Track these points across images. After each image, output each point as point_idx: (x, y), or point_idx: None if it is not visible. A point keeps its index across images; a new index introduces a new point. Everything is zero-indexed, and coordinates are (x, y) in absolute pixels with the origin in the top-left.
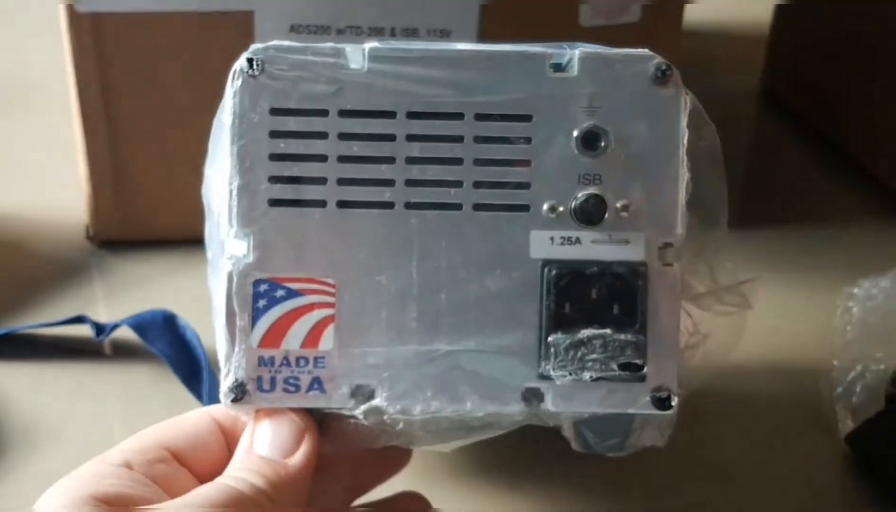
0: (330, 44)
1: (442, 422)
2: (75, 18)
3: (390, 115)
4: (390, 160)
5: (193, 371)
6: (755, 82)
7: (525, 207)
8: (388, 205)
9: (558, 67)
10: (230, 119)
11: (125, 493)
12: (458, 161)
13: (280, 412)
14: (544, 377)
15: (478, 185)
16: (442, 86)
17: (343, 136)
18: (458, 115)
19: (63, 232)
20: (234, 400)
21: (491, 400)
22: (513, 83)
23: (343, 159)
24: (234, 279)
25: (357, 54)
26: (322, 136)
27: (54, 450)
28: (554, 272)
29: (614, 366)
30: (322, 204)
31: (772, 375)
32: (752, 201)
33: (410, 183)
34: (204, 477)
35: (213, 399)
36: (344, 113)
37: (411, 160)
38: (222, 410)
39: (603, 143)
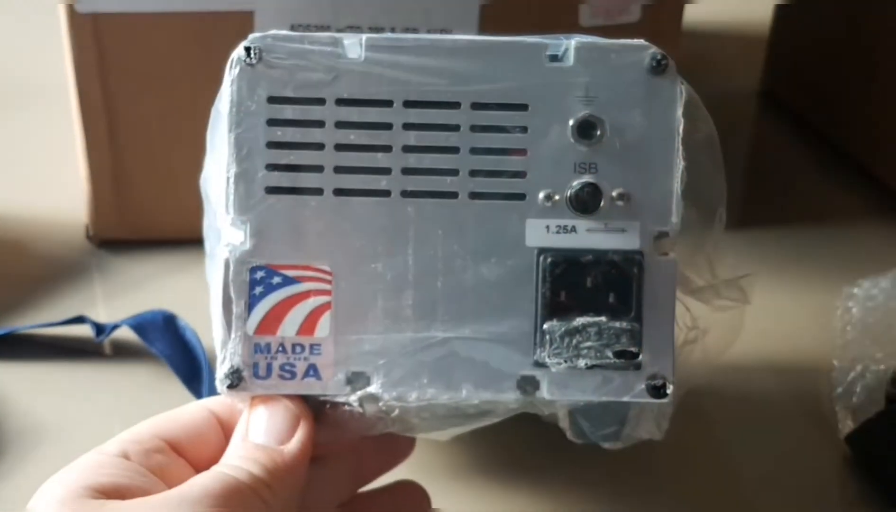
0: (327, 33)
1: (438, 409)
2: (75, 18)
3: (387, 103)
4: (387, 149)
5: (193, 371)
6: (755, 82)
7: (521, 196)
8: (385, 193)
9: (554, 58)
10: (228, 107)
11: (122, 483)
12: (454, 150)
13: (274, 400)
14: (539, 365)
15: (474, 173)
16: (438, 75)
17: (340, 125)
18: (455, 105)
19: (63, 232)
20: (230, 386)
21: (486, 387)
22: (509, 73)
23: (340, 147)
24: (231, 266)
25: (354, 44)
26: (319, 124)
27: (54, 450)
28: (549, 260)
29: (609, 354)
30: (319, 192)
31: (771, 374)
32: (752, 201)
33: (407, 171)
34: (201, 468)
35: None
36: (341, 102)
37: (408, 149)
38: (219, 401)
39: (598, 133)
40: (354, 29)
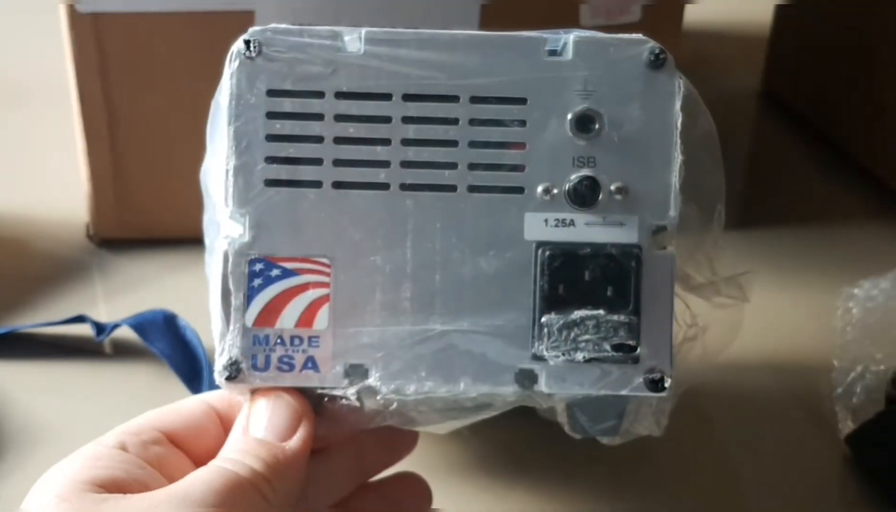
0: (327, 27)
1: (435, 402)
2: (76, 18)
3: (386, 97)
4: (386, 142)
5: (194, 371)
6: (755, 82)
7: (519, 189)
8: (384, 186)
9: (553, 52)
10: (227, 100)
11: (119, 476)
12: (453, 143)
13: (276, 394)
14: (538, 358)
15: (472, 167)
16: (437, 69)
17: (339, 118)
18: (454, 98)
19: (63, 231)
20: (229, 378)
21: (484, 380)
22: (508, 67)
23: (339, 141)
24: (230, 258)
25: (353, 37)
26: (318, 117)
27: (54, 450)
28: (548, 253)
29: (607, 347)
30: (318, 184)
31: (772, 375)
32: (752, 201)
33: (406, 164)
34: (200, 461)
35: None
36: (340, 95)
37: (407, 142)
38: (218, 395)
39: (597, 126)
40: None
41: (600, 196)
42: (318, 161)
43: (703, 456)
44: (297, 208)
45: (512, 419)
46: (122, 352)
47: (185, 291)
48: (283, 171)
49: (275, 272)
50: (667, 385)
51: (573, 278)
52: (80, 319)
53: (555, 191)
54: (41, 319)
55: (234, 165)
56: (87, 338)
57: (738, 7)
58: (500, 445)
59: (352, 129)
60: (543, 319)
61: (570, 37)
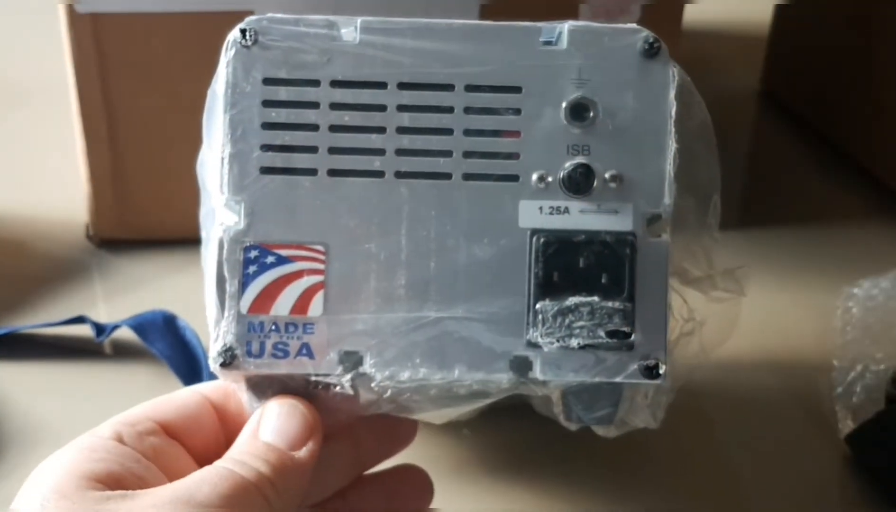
0: (322, 16)
1: (429, 390)
2: (75, 19)
3: (381, 85)
4: (381, 130)
5: (193, 371)
6: (755, 82)
7: (514, 177)
8: (379, 174)
9: (548, 42)
10: (223, 88)
11: (116, 470)
12: (447, 131)
13: (291, 403)
14: (532, 345)
15: (467, 155)
16: (433, 57)
17: (334, 106)
18: (449, 86)
19: (63, 231)
20: (223, 364)
21: (479, 367)
22: (503, 55)
23: (334, 129)
24: (225, 245)
25: (349, 26)
26: (314, 105)
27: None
28: (542, 240)
29: (602, 333)
30: (313, 172)
31: (771, 374)
32: (752, 201)
33: (401, 152)
34: (196, 452)
35: None
36: (335, 83)
37: (402, 130)
38: (213, 387)
39: (591, 114)
40: None
41: (595, 184)
42: (313, 149)
43: (703, 456)
44: (292, 196)
45: (512, 419)
46: (122, 352)
47: (185, 291)
48: (279, 159)
49: (269, 259)
50: (661, 372)
51: (568, 265)
52: (79, 319)
53: (549, 178)
54: (41, 319)
55: (229, 153)
56: (86, 338)
57: (737, 7)
58: (501, 445)
59: (347, 118)
60: (538, 306)
61: (564, 26)
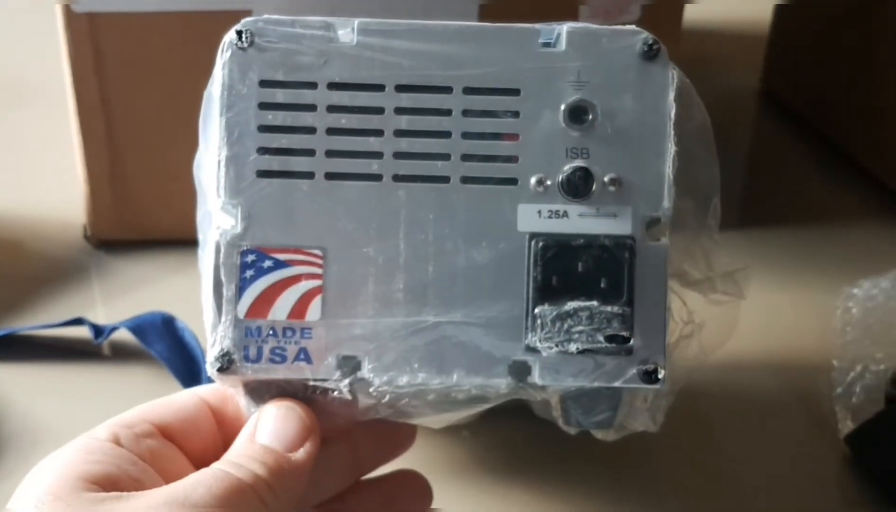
0: (319, 17)
1: (428, 395)
2: (72, 18)
3: (379, 88)
4: (379, 133)
5: (192, 373)
6: (755, 82)
7: (512, 181)
8: (376, 177)
9: (547, 44)
10: (219, 91)
11: (112, 472)
12: (446, 134)
13: (288, 405)
14: (531, 349)
15: (466, 158)
16: (431, 59)
17: (332, 109)
18: (447, 89)
19: (60, 232)
20: (221, 369)
21: (477, 372)
22: (501, 58)
23: (331, 131)
24: (222, 249)
25: (346, 28)
26: (311, 108)
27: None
28: (541, 244)
29: (601, 338)
30: (310, 175)
31: (771, 375)
32: (752, 201)
33: (398, 155)
34: (193, 454)
35: None
36: (333, 85)
37: (399, 133)
38: (210, 390)
39: (590, 117)
40: None
41: (594, 187)
42: (310, 152)
43: (703, 456)
44: (289, 199)
45: (512, 419)
46: (121, 354)
47: (184, 292)
48: (276, 162)
49: (267, 263)
50: (660, 377)
51: (566, 269)
52: (78, 321)
53: (548, 182)
54: (39, 320)
55: (225, 156)
56: (85, 340)
57: (737, 7)
58: (500, 445)
59: (344, 120)
60: (537, 311)
61: (563, 28)
